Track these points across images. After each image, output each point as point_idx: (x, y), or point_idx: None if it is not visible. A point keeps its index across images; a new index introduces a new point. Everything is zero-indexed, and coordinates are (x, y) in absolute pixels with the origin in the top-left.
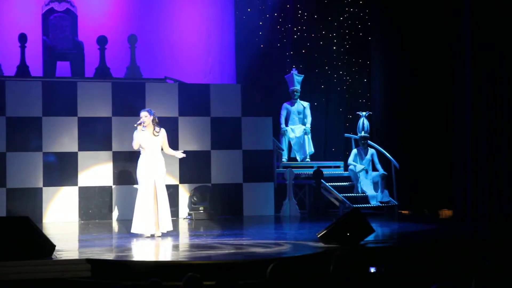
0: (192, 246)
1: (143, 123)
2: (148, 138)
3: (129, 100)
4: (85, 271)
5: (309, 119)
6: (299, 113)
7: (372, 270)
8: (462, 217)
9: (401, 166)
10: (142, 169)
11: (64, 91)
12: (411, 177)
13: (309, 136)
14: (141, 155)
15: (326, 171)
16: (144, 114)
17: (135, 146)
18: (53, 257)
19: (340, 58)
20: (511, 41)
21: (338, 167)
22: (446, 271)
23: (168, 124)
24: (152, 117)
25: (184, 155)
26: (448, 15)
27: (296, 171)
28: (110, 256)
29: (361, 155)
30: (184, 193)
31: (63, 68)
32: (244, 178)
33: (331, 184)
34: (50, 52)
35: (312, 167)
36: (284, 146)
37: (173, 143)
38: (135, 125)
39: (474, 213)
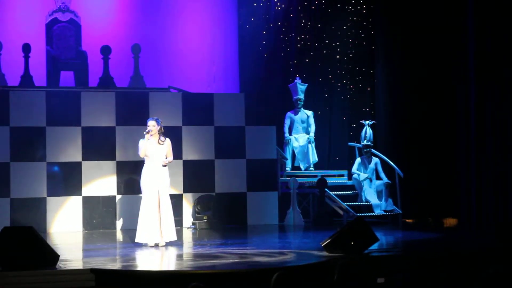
0: (196, 256)
1: (150, 131)
2: (153, 147)
3: (133, 110)
4: (89, 281)
5: (312, 128)
6: (302, 122)
7: (380, 280)
8: (467, 226)
9: (405, 175)
10: (146, 178)
11: (68, 101)
12: (415, 186)
13: (313, 145)
14: (145, 164)
15: (330, 180)
16: (152, 123)
17: (141, 154)
18: (57, 267)
19: (343, 67)
20: None
21: (342, 176)
22: (451, 280)
23: (172, 134)
24: (159, 127)
25: (163, 163)
26: (451, 23)
27: (300, 180)
28: (114, 266)
29: (365, 164)
30: (188, 203)
31: (66, 78)
32: (248, 187)
33: (335, 193)
34: (53, 62)
35: (316, 176)
36: (288, 155)
37: (177, 153)
38: (144, 133)
39: (479, 221)
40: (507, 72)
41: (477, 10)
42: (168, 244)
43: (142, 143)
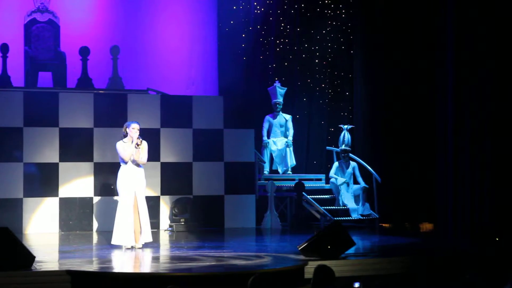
0: (173, 258)
1: (139, 138)
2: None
3: (111, 111)
4: (65, 283)
5: (291, 132)
6: (281, 125)
7: (356, 285)
8: (443, 231)
9: (383, 180)
10: (123, 180)
11: (46, 101)
12: (392, 191)
13: (291, 148)
14: (121, 166)
15: (307, 184)
16: (137, 127)
17: (127, 158)
18: (32, 268)
19: (322, 71)
20: (494, 55)
21: (320, 180)
22: (428, 284)
23: (150, 136)
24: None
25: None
26: (431, 28)
27: (277, 183)
28: (90, 267)
29: (342, 168)
30: (165, 205)
31: (45, 78)
32: (226, 190)
33: (313, 196)
34: (32, 63)
35: (293, 179)
36: (266, 158)
37: (155, 155)
38: (137, 145)
39: (455, 227)
40: (485, 77)
41: (456, 15)
42: (145, 246)
43: (124, 147)
